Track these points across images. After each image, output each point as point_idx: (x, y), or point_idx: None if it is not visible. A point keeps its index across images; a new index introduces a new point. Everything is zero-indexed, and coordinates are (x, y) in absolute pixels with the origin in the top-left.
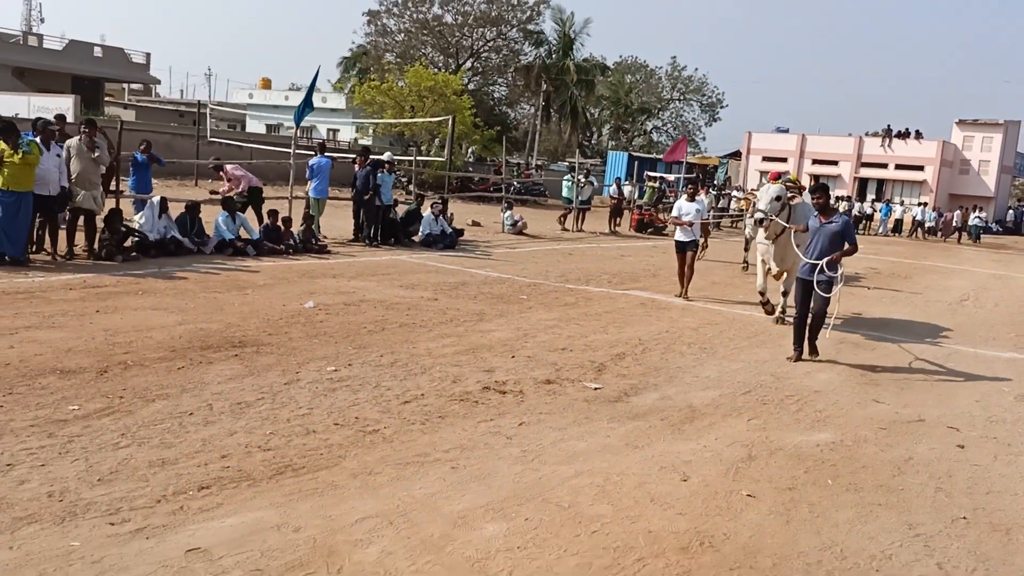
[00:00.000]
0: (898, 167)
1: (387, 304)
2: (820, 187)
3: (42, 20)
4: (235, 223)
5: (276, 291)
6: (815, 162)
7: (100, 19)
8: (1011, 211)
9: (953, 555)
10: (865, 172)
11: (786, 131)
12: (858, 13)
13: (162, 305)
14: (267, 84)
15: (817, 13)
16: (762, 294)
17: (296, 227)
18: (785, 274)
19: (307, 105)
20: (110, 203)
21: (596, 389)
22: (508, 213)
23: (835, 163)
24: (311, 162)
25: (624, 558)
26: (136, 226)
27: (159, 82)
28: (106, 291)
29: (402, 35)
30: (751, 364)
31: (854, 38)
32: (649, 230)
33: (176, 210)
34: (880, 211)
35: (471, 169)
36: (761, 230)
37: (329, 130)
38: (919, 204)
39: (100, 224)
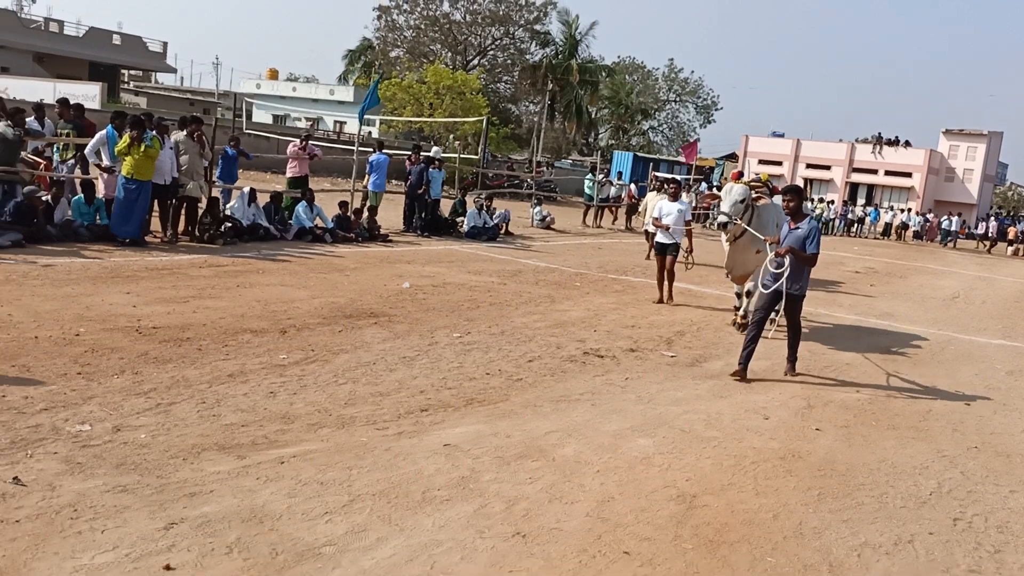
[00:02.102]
0: (887, 173)
1: (468, 286)
2: (792, 189)
3: (33, 1)
4: (313, 212)
5: (370, 273)
6: (809, 166)
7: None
8: (992, 218)
9: (970, 468)
10: (856, 177)
11: (781, 136)
12: (851, 23)
13: (286, 282)
14: (274, 75)
15: (812, 21)
16: (739, 296)
17: (364, 218)
18: (745, 279)
19: (366, 108)
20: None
21: (672, 357)
22: (537, 209)
23: (828, 168)
24: (370, 159)
25: (742, 461)
26: (229, 213)
27: (175, 71)
28: (230, 270)
29: (411, 31)
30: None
31: (847, 47)
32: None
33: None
34: (870, 215)
35: (482, 165)
36: (723, 233)
37: (336, 122)
38: (904, 210)
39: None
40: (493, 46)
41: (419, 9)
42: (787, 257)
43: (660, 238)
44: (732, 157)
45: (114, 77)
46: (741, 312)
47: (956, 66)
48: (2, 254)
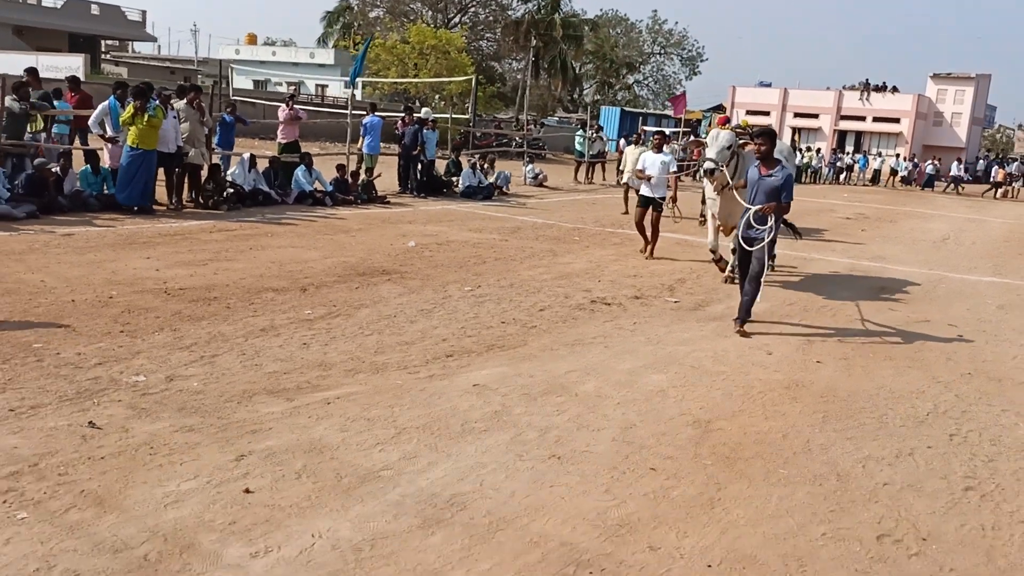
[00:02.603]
0: (875, 120)
1: (471, 244)
2: (765, 132)
3: None
4: (312, 176)
5: (374, 233)
6: (796, 115)
7: None
8: (981, 161)
9: (964, 392)
10: (844, 125)
11: (768, 85)
12: None
13: (296, 244)
14: (253, 39)
15: None
16: (713, 252)
17: (362, 180)
18: (734, 230)
19: (357, 73)
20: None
21: (675, 302)
22: (530, 167)
23: (816, 116)
24: (364, 121)
25: (750, 391)
26: (231, 179)
27: (156, 39)
28: (240, 234)
29: None
30: (789, 284)
31: None
32: None
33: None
34: (858, 162)
35: (471, 125)
36: (707, 182)
37: (318, 86)
38: (895, 155)
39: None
40: (474, 3)
41: None
42: (771, 215)
43: (644, 190)
44: (719, 108)
45: (94, 48)
46: (730, 267)
47: (943, 9)
48: (20, 225)
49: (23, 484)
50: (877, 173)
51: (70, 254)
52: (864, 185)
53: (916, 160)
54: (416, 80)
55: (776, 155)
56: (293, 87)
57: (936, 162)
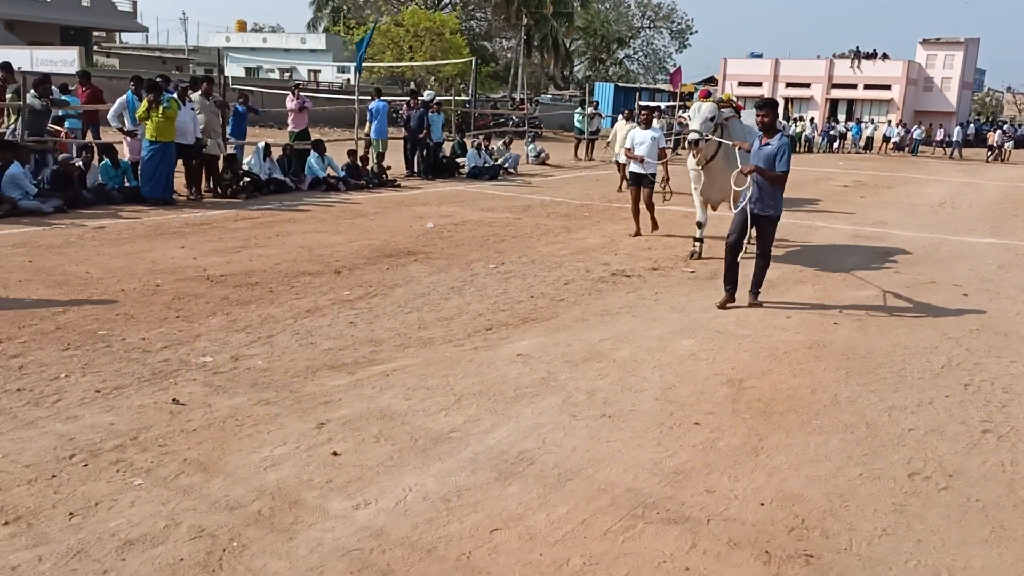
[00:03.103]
0: (867, 87)
1: (486, 223)
2: (766, 102)
3: None
4: (324, 162)
5: (392, 216)
6: (788, 85)
7: None
8: (971, 124)
9: (974, 345)
10: (836, 93)
11: (760, 56)
12: None
13: (320, 229)
14: (243, 26)
15: None
16: (700, 226)
17: (372, 164)
18: (714, 206)
19: (361, 57)
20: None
21: (692, 272)
22: (532, 145)
23: (807, 85)
24: (370, 106)
25: (775, 352)
26: (247, 168)
27: (147, 29)
28: (263, 221)
29: None
30: (799, 252)
31: None
32: None
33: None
34: (851, 130)
35: (467, 105)
36: (691, 156)
37: (310, 71)
38: (887, 122)
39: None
40: None
41: None
42: (751, 176)
43: (634, 168)
44: (711, 81)
45: (87, 40)
46: (699, 235)
47: None
48: (49, 219)
49: (130, 455)
50: (870, 140)
51: (106, 246)
52: (858, 153)
53: (908, 126)
54: (413, 64)
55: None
56: (288, 73)
57: (922, 127)
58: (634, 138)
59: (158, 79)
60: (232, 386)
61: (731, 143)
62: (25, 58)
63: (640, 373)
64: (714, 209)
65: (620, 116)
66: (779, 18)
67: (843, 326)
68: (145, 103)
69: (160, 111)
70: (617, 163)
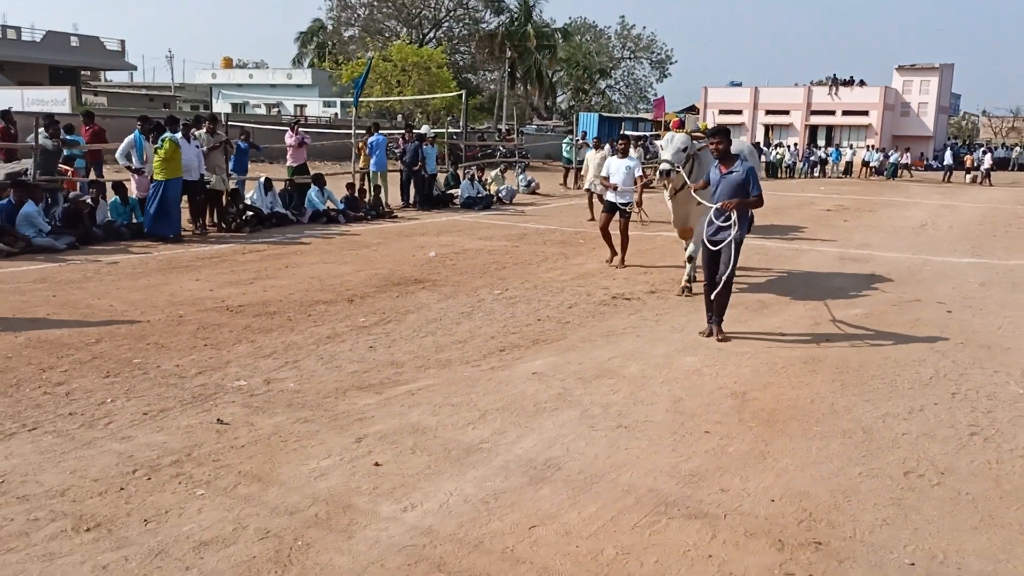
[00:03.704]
0: (845, 113)
1: (486, 251)
2: (719, 130)
3: None
4: (324, 195)
5: (394, 247)
6: (768, 112)
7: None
8: (948, 148)
9: (959, 358)
10: (815, 119)
11: (739, 85)
12: None
13: (327, 260)
14: (228, 63)
15: None
16: (691, 260)
17: (369, 197)
18: (692, 237)
19: (358, 93)
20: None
21: (689, 295)
22: (523, 176)
23: (787, 112)
24: (370, 140)
25: (774, 367)
26: (250, 202)
27: (135, 68)
28: (271, 254)
29: (364, 9)
30: (788, 274)
31: None
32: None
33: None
34: (831, 155)
35: (455, 137)
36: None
37: (296, 106)
38: (868, 147)
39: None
40: (448, 18)
41: None
42: (734, 211)
43: (610, 196)
44: (692, 109)
45: (75, 79)
46: (683, 282)
47: (905, 1)
48: (63, 255)
49: (188, 469)
50: (849, 165)
51: (124, 279)
52: (839, 177)
53: (886, 151)
54: (402, 98)
55: (735, 152)
56: (275, 108)
57: (899, 152)
58: (610, 167)
59: (161, 121)
60: (270, 407)
61: (691, 184)
62: (16, 98)
63: (649, 388)
64: (686, 239)
65: (590, 146)
66: (757, 47)
67: (835, 341)
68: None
69: (157, 151)
70: (589, 192)
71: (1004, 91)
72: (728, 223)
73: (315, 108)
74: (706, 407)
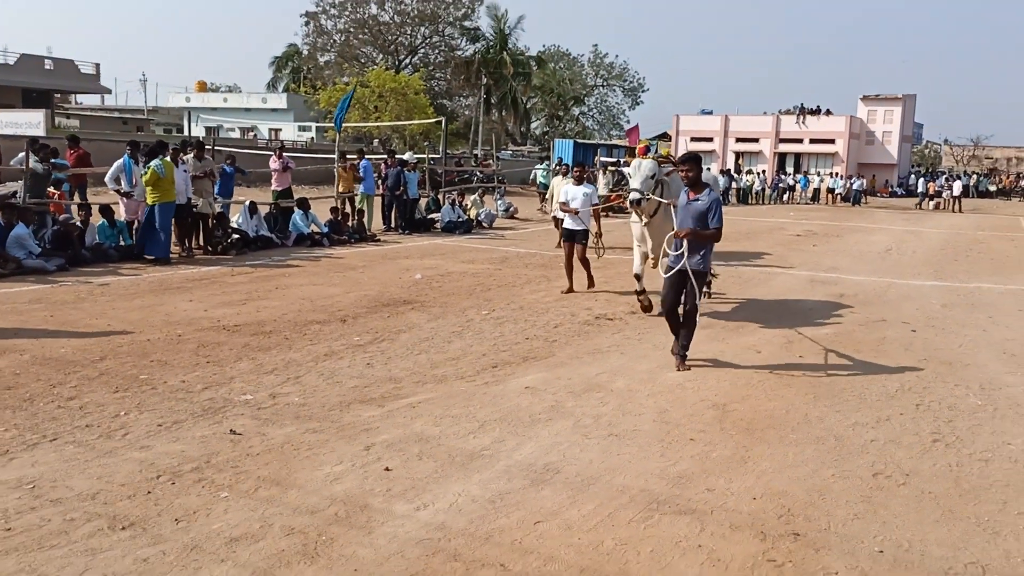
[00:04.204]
0: (812, 141)
1: (470, 274)
2: (690, 157)
3: None
4: (308, 219)
5: (379, 269)
6: (738, 140)
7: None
8: (912, 175)
9: (922, 373)
10: (783, 147)
11: (710, 113)
12: None
13: (315, 282)
14: (203, 87)
15: None
16: (638, 278)
17: (352, 221)
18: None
19: (340, 117)
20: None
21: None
22: (502, 200)
23: (756, 140)
24: (361, 164)
25: (751, 381)
26: (236, 226)
27: (109, 91)
28: (259, 276)
29: (340, 35)
30: (761, 295)
31: (765, 21)
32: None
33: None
34: (799, 182)
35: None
36: (633, 213)
37: (271, 129)
38: (834, 175)
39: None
40: (424, 44)
41: (347, 13)
42: (686, 240)
43: (568, 223)
44: (664, 136)
45: (48, 102)
46: (639, 287)
47: (869, 34)
48: (54, 277)
49: (209, 475)
50: (817, 192)
51: (118, 300)
52: (806, 204)
53: (853, 178)
54: (380, 124)
55: (704, 180)
56: (252, 132)
57: (863, 179)
58: (567, 193)
59: (154, 145)
60: (278, 419)
61: (669, 201)
62: None
63: (636, 400)
64: (655, 266)
65: (556, 172)
66: (728, 76)
67: (807, 358)
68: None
69: (147, 175)
70: (555, 219)
71: (965, 121)
72: (680, 251)
73: (290, 132)
74: (690, 417)
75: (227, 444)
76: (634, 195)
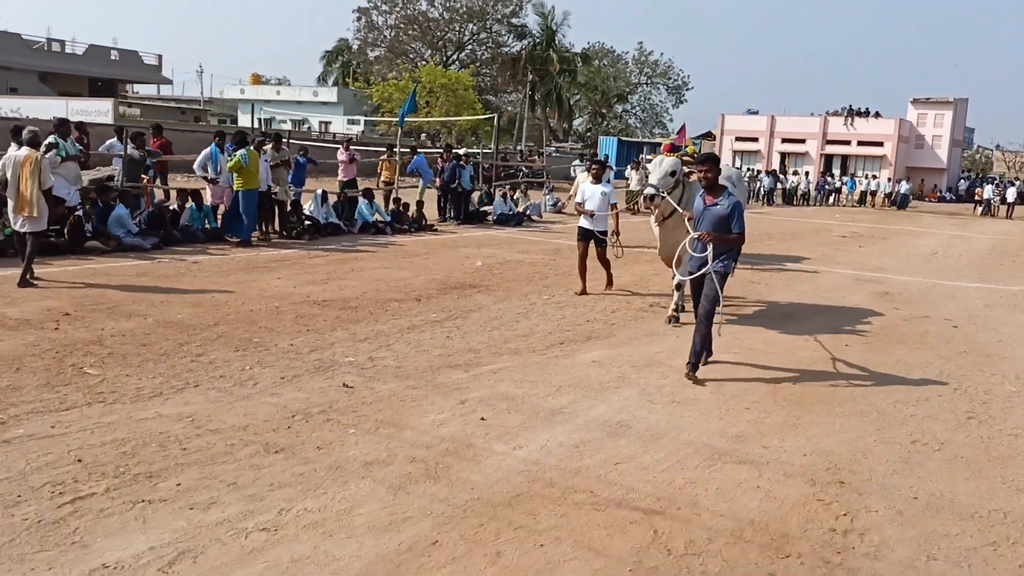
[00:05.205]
0: (860, 143)
1: (526, 263)
2: (707, 158)
3: None
4: (372, 208)
5: (442, 256)
6: (784, 141)
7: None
8: (962, 180)
9: (962, 363)
10: (830, 149)
11: (756, 113)
12: None
13: (386, 266)
14: (257, 79)
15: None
16: (679, 288)
17: (412, 211)
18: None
19: (405, 114)
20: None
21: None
22: (549, 195)
23: (803, 141)
24: (415, 159)
25: (801, 364)
26: (308, 213)
27: (171, 82)
28: (335, 259)
29: (390, 31)
30: (808, 291)
31: (814, 22)
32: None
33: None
34: (846, 184)
35: (494, 159)
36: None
37: (321, 122)
38: (892, 180)
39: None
40: (471, 41)
41: (397, 9)
42: (710, 243)
43: (583, 223)
44: (709, 136)
45: (113, 91)
46: (670, 311)
47: (920, 36)
48: (150, 254)
49: (335, 416)
50: (864, 195)
51: (213, 276)
52: (852, 206)
53: (902, 181)
54: (430, 119)
55: (723, 182)
56: (306, 124)
57: (910, 183)
58: (584, 192)
59: (239, 135)
60: (381, 377)
61: (683, 212)
62: (61, 109)
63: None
64: (676, 269)
65: (628, 167)
66: (774, 76)
67: (853, 348)
68: (236, 159)
69: (233, 162)
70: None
71: (1017, 126)
72: (703, 254)
73: (339, 125)
74: (744, 391)
75: (343, 395)
76: (649, 191)
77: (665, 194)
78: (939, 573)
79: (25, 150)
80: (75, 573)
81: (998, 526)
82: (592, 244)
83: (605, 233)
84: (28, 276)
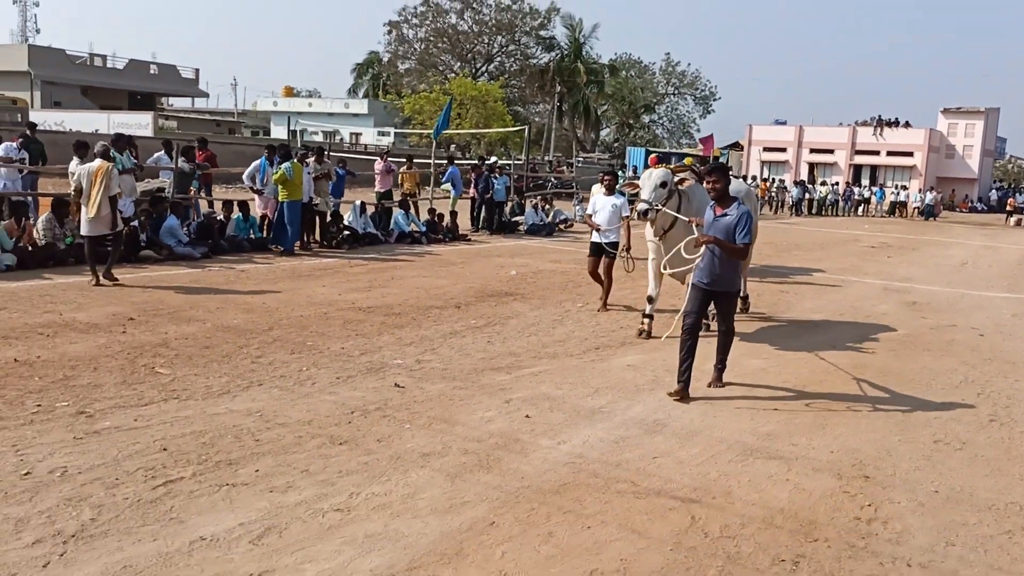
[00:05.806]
0: (889, 153)
1: (559, 272)
2: (716, 168)
3: (37, 31)
4: (408, 219)
5: (477, 265)
6: (812, 151)
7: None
8: (993, 191)
9: (987, 370)
10: (859, 159)
11: (784, 123)
12: (844, 7)
13: (424, 274)
14: (290, 92)
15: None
16: (651, 300)
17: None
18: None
19: (440, 128)
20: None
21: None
22: (579, 206)
23: (831, 151)
24: (450, 170)
25: (828, 369)
26: (347, 223)
27: (208, 95)
28: (375, 267)
29: (420, 43)
30: (835, 299)
31: (843, 32)
32: None
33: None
34: (875, 195)
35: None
36: (648, 225)
37: (352, 134)
38: (904, 187)
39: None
40: (500, 53)
41: (427, 23)
42: (704, 247)
43: (594, 237)
44: (736, 146)
45: (152, 104)
46: (648, 311)
47: (951, 46)
48: (200, 263)
49: (390, 413)
50: (893, 205)
51: (262, 283)
52: (881, 216)
53: (933, 191)
54: (460, 131)
55: (732, 193)
56: (338, 136)
57: (939, 193)
58: (595, 204)
59: (280, 148)
60: (429, 378)
61: (686, 218)
62: (103, 122)
63: (725, 379)
64: (682, 284)
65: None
66: (802, 86)
67: (878, 354)
68: (281, 171)
69: (279, 174)
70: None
71: None
72: (693, 256)
73: (370, 137)
74: (773, 394)
75: (395, 394)
76: (641, 206)
77: (660, 207)
78: (956, 556)
79: (98, 162)
80: (177, 543)
81: (1014, 517)
82: (602, 257)
83: (614, 245)
84: (103, 274)
